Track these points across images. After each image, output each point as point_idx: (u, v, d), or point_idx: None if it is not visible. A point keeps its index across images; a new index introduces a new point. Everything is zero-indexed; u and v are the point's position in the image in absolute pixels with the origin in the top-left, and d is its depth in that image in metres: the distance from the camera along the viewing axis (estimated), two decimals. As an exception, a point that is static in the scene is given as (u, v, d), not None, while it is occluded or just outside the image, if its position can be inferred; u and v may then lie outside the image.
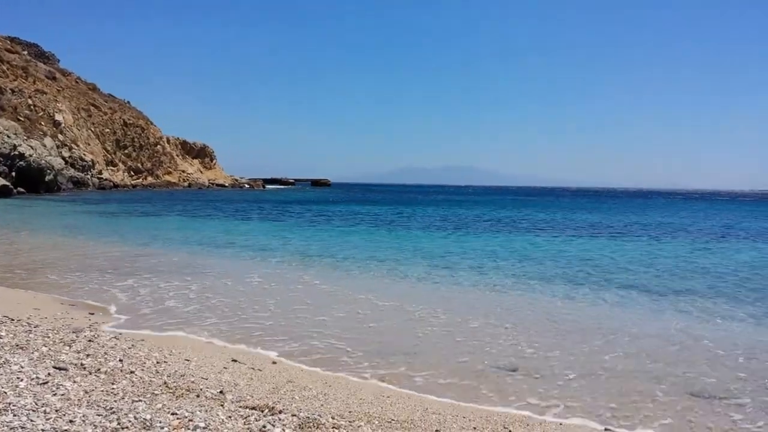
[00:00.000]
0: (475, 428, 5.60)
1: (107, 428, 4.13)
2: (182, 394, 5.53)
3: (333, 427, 4.79)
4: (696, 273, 16.90)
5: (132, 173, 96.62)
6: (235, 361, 7.79)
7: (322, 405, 5.91)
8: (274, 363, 7.93)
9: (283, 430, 4.56)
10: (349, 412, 5.70)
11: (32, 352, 6.28)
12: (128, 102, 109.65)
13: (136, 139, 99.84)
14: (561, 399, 6.90)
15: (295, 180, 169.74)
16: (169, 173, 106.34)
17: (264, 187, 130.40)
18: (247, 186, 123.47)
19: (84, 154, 78.67)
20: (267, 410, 5.14)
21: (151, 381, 5.97)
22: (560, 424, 6.12)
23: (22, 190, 57.93)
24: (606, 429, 6.05)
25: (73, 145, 77.47)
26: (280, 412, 5.10)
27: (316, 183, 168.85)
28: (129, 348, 7.37)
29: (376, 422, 5.37)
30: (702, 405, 6.85)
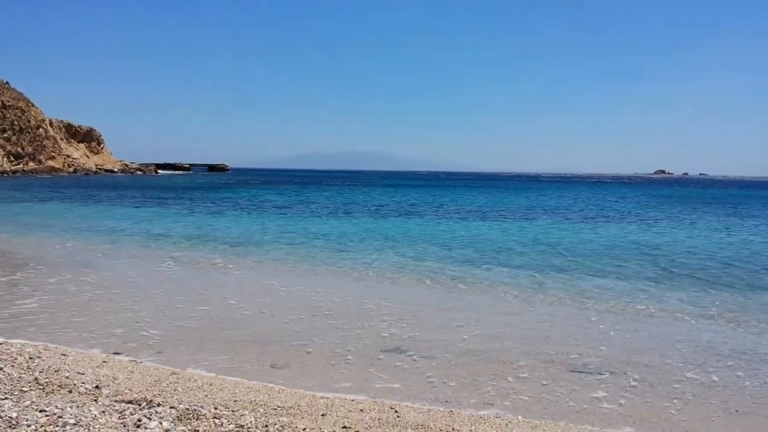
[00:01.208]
0: (362, 410, 5.64)
1: (-37, 430, 3.85)
2: (54, 389, 5.24)
3: (214, 417, 4.68)
4: (582, 254, 17.79)
5: (12, 158, 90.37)
6: (117, 353, 7.48)
7: (206, 396, 5.76)
8: (160, 353, 7.68)
9: (160, 423, 4.40)
10: (234, 401, 5.59)
11: None
12: (7, 82, 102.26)
13: (15, 122, 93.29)
14: (445, 379, 7.07)
15: (191, 165, 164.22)
16: (53, 158, 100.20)
17: (156, 172, 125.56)
18: (139, 172, 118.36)
19: (-45, 138, 72.68)
20: (144, 403, 4.95)
21: (20, 377, 5.62)
22: (445, 401, 6.27)
23: None
24: (521, 418, 6.25)
25: (-59, 128, 71.39)
26: (159, 405, 4.92)
27: (213, 168, 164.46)
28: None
29: (262, 410, 5.30)
30: (574, 379, 7.22)
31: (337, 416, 5.37)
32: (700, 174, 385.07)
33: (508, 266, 15.24)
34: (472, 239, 21.17)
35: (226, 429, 4.46)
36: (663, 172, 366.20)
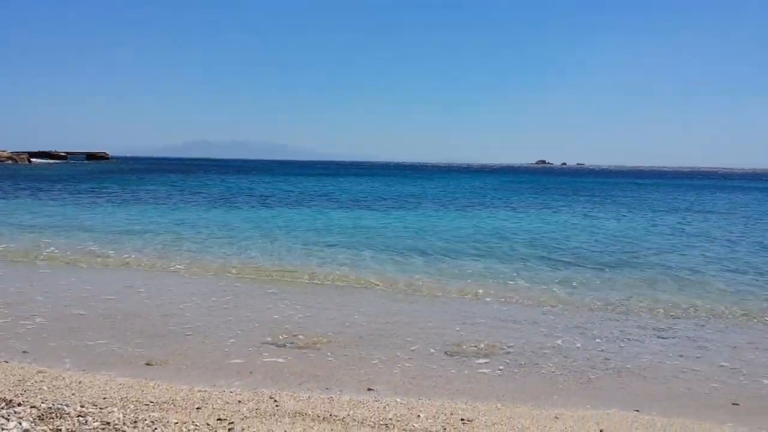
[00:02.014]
0: (240, 401, 5.58)
1: None
2: None
3: (78, 416, 4.47)
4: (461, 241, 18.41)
5: None
6: (-24, 353, 6.99)
7: (73, 394, 5.49)
8: (25, 352, 7.25)
9: (19, 423, 4.16)
10: (104, 398, 5.36)
11: None
12: None
13: None
14: (330, 366, 7.15)
15: (68, 153, 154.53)
16: None
17: (29, 161, 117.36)
18: (9, 161, 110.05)
19: None
20: (4, 404, 4.66)
21: None
22: (326, 388, 6.32)
23: None
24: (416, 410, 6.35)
25: None
26: (19, 404, 4.65)
27: (92, 156, 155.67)
28: None
29: (132, 406, 5.12)
30: (452, 362, 7.50)
31: (213, 408, 5.28)
32: (578, 164, 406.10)
33: (377, 251, 15.56)
34: (354, 228, 21.42)
35: (91, 427, 4.28)
36: (544, 162, 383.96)
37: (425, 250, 16.19)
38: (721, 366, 7.77)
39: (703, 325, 9.64)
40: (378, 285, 11.94)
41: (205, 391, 5.91)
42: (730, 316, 10.13)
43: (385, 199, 37.45)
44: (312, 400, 5.78)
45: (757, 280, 13.12)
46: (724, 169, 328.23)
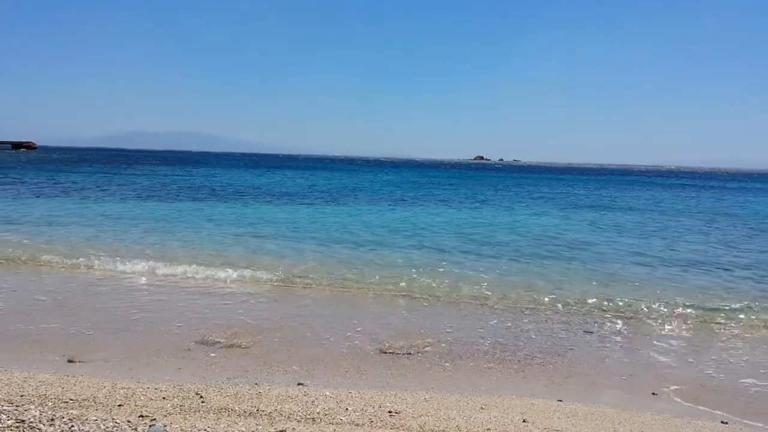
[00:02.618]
0: (164, 398, 5.47)
1: None
2: None
3: (-9, 415, 4.31)
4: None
5: None
6: None
7: (-12, 392, 5.29)
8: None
9: None
10: (21, 396, 5.18)
11: None
12: None
13: None
14: (258, 366, 7.10)
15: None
16: None
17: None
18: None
19: None
20: None
21: None
22: (256, 383, 6.27)
23: None
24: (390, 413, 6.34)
25: None
26: (-76, 405, 4.44)
27: (17, 146, 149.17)
28: None
29: (51, 403, 4.96)
30: (382, 359, 7.56)
31: (135, 405, 5.17)
32: (514, 160, 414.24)
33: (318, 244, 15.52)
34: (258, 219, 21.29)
35: (5, 425, 4.12)
36: (481, 158, 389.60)
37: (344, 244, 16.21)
38: (642, 358, 8.10)
39: (626, 319, 10.00)
40: (310, 283, 11.89)
41: (128, 388, 5.78)
42: (648, 311, 10.53)
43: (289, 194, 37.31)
44: (239, 395, 5.73)
45: (673, 276, 13.66)
46: (655, 167, 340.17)
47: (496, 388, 6.74)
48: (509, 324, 9.35)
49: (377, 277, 12.06)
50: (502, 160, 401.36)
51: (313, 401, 5.68)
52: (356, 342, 8.16)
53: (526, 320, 9.61)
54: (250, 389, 6.03)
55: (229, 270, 12.22)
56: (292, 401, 5.64)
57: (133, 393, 5.59)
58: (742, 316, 10.20)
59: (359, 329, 8.73)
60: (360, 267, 13.07)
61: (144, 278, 11.54)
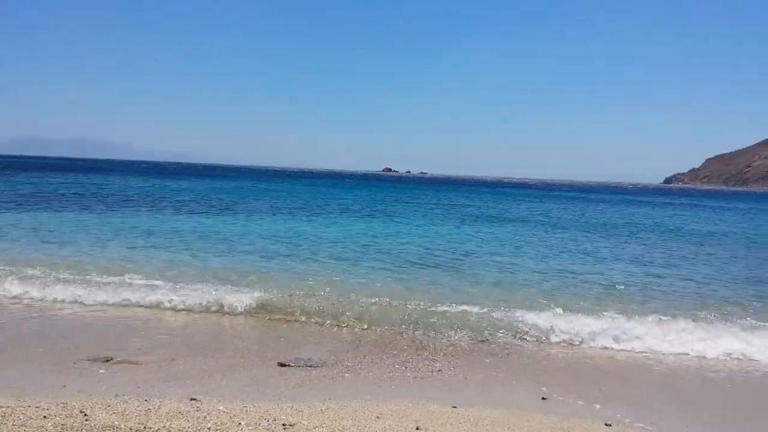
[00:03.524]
0: (45, 416, 5.20)
1: None
2: None
3: None
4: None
5: None
6: None
7: None
8: None
9: None
10: None
11: None
12: None
13: None
14: (150, 383, 6.89)
15: None
16: None
17: None
18: None
19: None
20: None
21: None
22: (146, 399, 6.08)
23: None
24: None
25: None
26: None
27: None
28: None
29: None
30: (282, 371, 7.50)
31: (13, 425, 4.88)
32: (421, 172, 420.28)
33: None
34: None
35: None
36: (390, 170, 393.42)
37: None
38: (526, 365, 8.43)
39: (511, 331, 10.34)
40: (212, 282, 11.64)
41: (7, 407, 5.45)
42: (526, 317, 10.95)
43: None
44: (127, 412, 5.52)
45: (552, 286, 14.28)
46: (560, 180, 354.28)
47: (394, 396, 6.83)
48: (411, 333, 9.50)
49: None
50: (409, 172, 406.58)
51: (205, 416, 5.55)
52: (254, 355, 8.07)
53: (420, 331, 9.76)
54: (138, 405, 5.83)
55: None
56: (183, 417, 5.49)
57: (12, 412, 5.28)
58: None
59: (256, 342, 8.64)
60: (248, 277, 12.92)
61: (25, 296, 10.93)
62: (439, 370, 7.87)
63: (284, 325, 9.78)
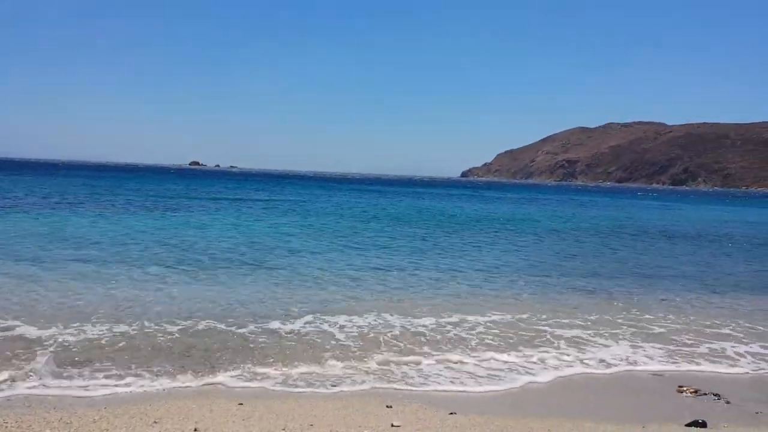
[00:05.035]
0: None
1: None
2: None
3: None
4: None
5: None
6: None
7: None
8: None
9: None
10: None
11: None
12: None
13: None
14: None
15: None
16: None
17: None
18: None
19: None
20: None
21: None
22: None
23: None
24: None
25: None
26: None
27: None
28: None
29: None
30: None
31: None
32: (231, 166, 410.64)
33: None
34: None
35: None
36: (197, 163, 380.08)
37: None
38: (318, 348, 8.59)
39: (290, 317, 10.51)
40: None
41: None
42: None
43: None
44: None
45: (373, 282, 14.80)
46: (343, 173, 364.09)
47: (176, 398, 6.59)
48: (185, 329, 9.25)
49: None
50: (218, 165, 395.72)
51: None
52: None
53: (202, 325, 9.54)
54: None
55: None
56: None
57: None
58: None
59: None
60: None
61: None
62: (230, 362, 7.74)
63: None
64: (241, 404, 6.50)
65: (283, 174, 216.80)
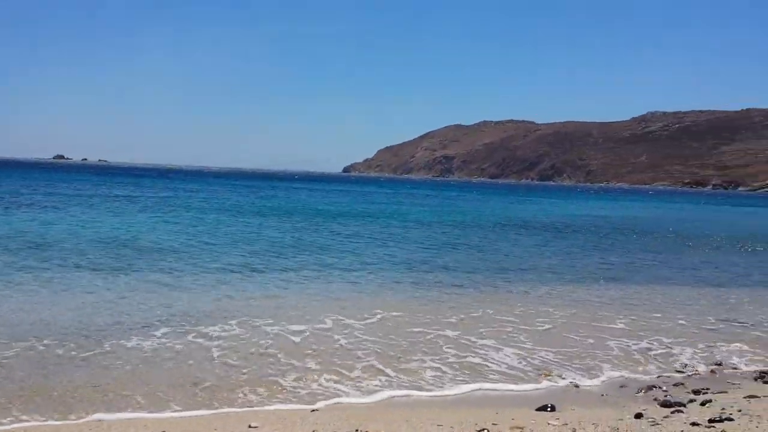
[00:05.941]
0: None
1: None
2: None
3: None
4: None
5: None
6: None
7: None
8: None
9: None
10: None
11: None
12: None
13: None
14: None
15: None
16: None
17: None
18: None
19: None
20: None
21: None
22: None
23: None
24: None
25: None
26: None
27: None
28: None
29: None
30: None
31: None
32: (100, 160, 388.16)
33: None
34: None
35: None
36: (63, 157, 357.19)
37: None
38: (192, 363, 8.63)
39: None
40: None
41: None
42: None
43: None
44: None
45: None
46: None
47: (34, 405, 6.46)
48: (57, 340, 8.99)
49: None
50: (86, 159, 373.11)
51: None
52: None
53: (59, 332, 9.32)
54: None
55: None
56: None
57: None
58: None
59: None
60: None
61: None
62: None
63: None
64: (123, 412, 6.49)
65: (164, 169, 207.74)
